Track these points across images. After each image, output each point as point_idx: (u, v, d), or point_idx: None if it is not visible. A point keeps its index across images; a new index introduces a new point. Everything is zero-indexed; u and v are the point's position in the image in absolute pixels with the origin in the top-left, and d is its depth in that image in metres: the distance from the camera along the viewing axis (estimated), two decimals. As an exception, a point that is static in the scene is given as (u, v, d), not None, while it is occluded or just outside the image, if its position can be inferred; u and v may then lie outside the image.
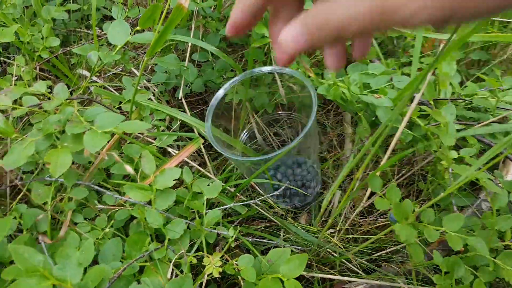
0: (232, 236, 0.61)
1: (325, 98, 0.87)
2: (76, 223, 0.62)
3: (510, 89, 0.69)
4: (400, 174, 0.82)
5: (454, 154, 0.63)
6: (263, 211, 0.73)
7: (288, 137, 0.90)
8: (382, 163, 0.71)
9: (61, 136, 0.59)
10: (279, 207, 0.82)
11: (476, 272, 0.61)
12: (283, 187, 0.70)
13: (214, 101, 0.66)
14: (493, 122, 0.68)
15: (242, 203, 0.65)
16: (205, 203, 0.61)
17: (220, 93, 0.66)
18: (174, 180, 0.57)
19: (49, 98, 0.63)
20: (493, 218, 0.57)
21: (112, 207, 0.62)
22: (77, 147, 0.57)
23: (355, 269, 0.72)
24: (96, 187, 0.62)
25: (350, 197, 0.69)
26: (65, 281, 0.46)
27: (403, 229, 0.57)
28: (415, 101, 0.63)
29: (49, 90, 0.66)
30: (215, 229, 0.61)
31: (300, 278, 0.74)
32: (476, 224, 0.65)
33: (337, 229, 0.78)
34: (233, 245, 0.62)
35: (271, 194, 0.66)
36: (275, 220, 0.74)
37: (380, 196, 0.62)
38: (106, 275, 0.52)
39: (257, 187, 0.83)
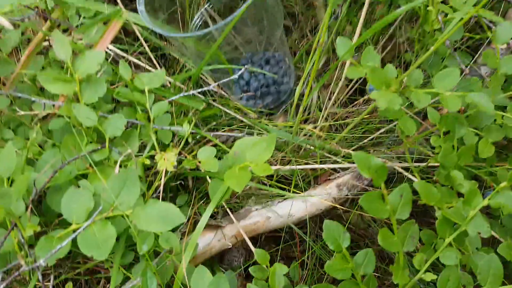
0: (188, 130, 0.52)
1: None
2: (6, 140, 0.53)
3: None
4: (382, 47, 0.71)
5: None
6: (225, 109, 0.63)
7: (251, 36, 0.77)
8: (358, 28, 0.60)
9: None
10: (250, 110, 0.72)
11: (480, 133, 0.52)
12: (240, 73, 0.58)
13: None
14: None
15: (193, 91, 0.55)
16: (147, 95, 0.51)
17: None
18: (98, 64, 0.46)
19: None
20: (495, 58, 0.47)
21: (43, 116, 0.52)
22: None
23: (340, 161, 0.63)
24: (19, 94, 0.52)
25: (322, 79, 0.59)
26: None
27: (383, 95, 0.47)
28: None
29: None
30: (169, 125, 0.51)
31: (281, 181, 0.66)
32: (476, 83, 0.55)
33: (318, 125, 0.69)
34: (190, 140, 0.52)
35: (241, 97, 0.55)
36: (245, 120, 0.65)
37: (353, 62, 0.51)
38: (38, 182, 0.43)
39: (222, 91, 0.72)
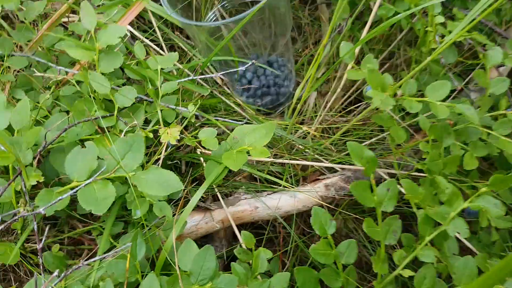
0: (192, 111, 0.54)
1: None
2: (17, 100, 0.55)
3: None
4: (381, 62, 0.76)
5: (440, 18, 0.56)
6: (226, 101, 0.66)
7: (257, 40, 0.82)
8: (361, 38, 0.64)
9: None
10: (249, 107, 0.75)
11: (466, 147, 0.55)
12: (246, 67, 0.61)
13: None
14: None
15: (201, 76, 0.58)
16: (159, 74, 0.54)
17: None
18: (119, 37, 0.49)
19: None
20: (485, 78, 0.51)
21: (56, 82, 0.55)
22: None
23: (331, 161, 0.66)
24: (38, 58, 0.54)
25: (323, 78, 0.62)
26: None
27: (378, 94, 0.50)
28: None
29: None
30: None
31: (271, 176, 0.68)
32: (466, 102, 0.59)
33: (313, 126, 0.72)
34: (193, 120, 0.55)
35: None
36: (245, 115, 0.68)
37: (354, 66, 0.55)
38: (45, 138, 0.45)
39: (225, 87, 0.76)
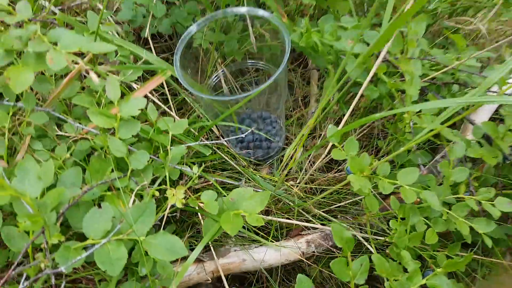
0: (196, 173, 0.61)
1: (295, 51, 0.87)
2: (34, 150, 0.60)
3: (471, 56, 0.72)
4: (361, 129, 0.84)
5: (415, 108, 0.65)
6: (225, 157, 0.73)
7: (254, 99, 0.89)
8: (345, 117, 0.72)
9: (23, 55, 0.56)
10: (242, 158, 0.82)
11: (429, 222, 0.64)
12: (246, 134, 0.69)
13: (186, 34, 0.64)
14: (454, 83, 0.71)
15: (207, 142, 0.65)
16: (170, 139, 0.60)
17: (193, 28, 0.64)
18: (139, 109, 0.55)
19: (10, 13, 0.59)
20: (449, 168, 0.60)
21: (73, 137, 0.60)
22: (39, 66, 0.54)
23: (312, 219, 0.74)
24: (57, 114, 0.60)
25: (310, 151, 0.71)
26: (24, 194, 0.44)
27: (357, 180, 0.59)
28: (382, 55, 0.64)
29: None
30: (180, 165, 0.60)
31: (260, 227, 0.75)
32: (432, 180, 0.68)
33: (297, 183, 0.80)
34: (196, 181, 0.61)
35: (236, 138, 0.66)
36: (238, 168, 0.75)
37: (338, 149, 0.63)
38: (65, 197, 0.51)
39: (222, 139, 0.83)
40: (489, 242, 0.58)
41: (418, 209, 0.63)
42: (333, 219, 0.75)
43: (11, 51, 0.55)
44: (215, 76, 0.81)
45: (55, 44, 0.55)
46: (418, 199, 0.66)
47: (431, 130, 0.58)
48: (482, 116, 0.78)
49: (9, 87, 0.59)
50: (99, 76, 0.59)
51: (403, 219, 0.61)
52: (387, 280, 0.55)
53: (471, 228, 0.60)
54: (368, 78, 0.66)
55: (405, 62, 0.62)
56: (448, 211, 0.62)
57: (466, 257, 0.51)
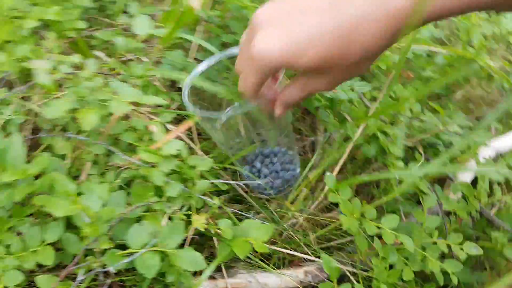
0: (217, 204, 0.74)
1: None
2: (89, 174, 0.75)
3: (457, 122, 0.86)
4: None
5: (401, 164, 0.78)
6: (241, 191, 0.87)
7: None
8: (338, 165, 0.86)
9: (90, 101, 0.72)
10: (261, 193, 0.94)
11: (407, 262, 0.76)
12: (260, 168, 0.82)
13: (193, 73, 0.76)
14: (438, 145, 0.84)
15: (225, 181, 0.79)
16: (199, 174, 0.74)
17: (198, 69, 0.76)
18: (177, 149, 0.70)
19: (80, 69, 0.76)
20: (423, 216, 0.73)
21: (121, 165, 0.75)
22: (103, 111, 0.70)
23: (309, 252, 0.86)
24: (110, 147, 0.75)
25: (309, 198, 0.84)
26: (87, 209, 0.58)
27: (347, 220, 0.71)
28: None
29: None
30: (203, 195, 0.74)
31: (264, 254, 0.88)
32: (414, 226, 0.80)
33: (299, 219, 0.92)
34: (217, 211, 0.75)
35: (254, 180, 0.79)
36: (251, 201, 0.88)
37: (334, 192, 0.76)
38: (115, 214, 0.65)
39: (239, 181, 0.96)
40: (454, 280, 0.69)
41: (398, 250, 0.75)
42: (329, 254, 0.87)
43: (82, 97, 0.71)
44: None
45: (115, 93, 0.72)
46: (399, 241, 0.78)
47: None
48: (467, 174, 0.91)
49: (72, 122, 0.76)
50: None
51: (384, 258, 0.73)
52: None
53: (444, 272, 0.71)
54: (358, 134, 0.80)
55: (387, 127, 0.76)
56: (424, 253, 0.74)
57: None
